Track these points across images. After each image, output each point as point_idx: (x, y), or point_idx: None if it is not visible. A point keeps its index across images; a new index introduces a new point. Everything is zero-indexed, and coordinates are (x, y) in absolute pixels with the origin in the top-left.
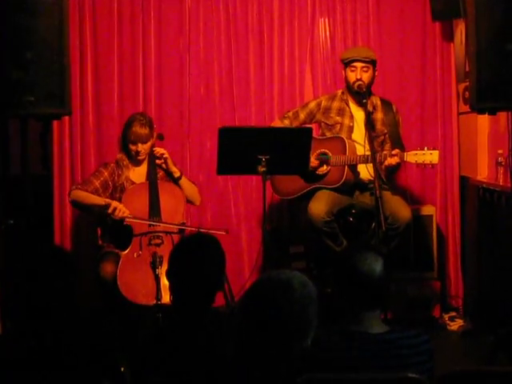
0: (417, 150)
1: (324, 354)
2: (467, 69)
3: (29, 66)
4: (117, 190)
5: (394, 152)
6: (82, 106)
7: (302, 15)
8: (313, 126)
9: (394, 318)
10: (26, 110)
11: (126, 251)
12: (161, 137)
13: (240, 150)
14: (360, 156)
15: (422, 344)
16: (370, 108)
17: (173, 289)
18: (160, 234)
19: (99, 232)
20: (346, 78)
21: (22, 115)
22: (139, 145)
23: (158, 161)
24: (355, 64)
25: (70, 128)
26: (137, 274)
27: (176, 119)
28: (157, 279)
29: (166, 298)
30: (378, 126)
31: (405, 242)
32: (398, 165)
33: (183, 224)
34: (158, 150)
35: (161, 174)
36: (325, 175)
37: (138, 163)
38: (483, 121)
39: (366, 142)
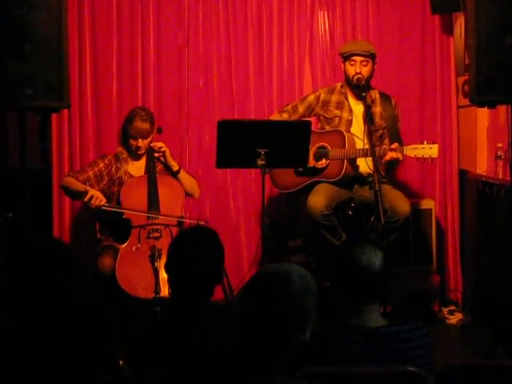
0: (416, 144)
1: (323, 347)
2: (467, 62)
3: (27, 59)
4: (115, 184)
5: (393, 146)
6: (80, 99)
7: (301, 9)
8: (312, 119)
9: (392, 311)
10: (24, 103)
11: (125, 244)
12: (159, 130)
13: (239, 143)
14: (359, 150)
15: (421, 337)
16: (369, 101)
17: (171, 282)
18: (159, 228)
19: (98, 225)
20: (345, 71)
21: (20, 108)
22: (140, 140)
23: (156, 154)
24: (354, 58)
25: (69, 121)
26: (135, 267)
27: (175, 113)
28: (155, 272)
29: (165, 291)
30: (377, 119)
31: (404, 236)
32: (398, 160)
33: (181, 217)
34: (156, 144)
35: (159, 167)
36: (324, 169)
37: (137, 157)
38: (483, 114)
39: (365, 135)
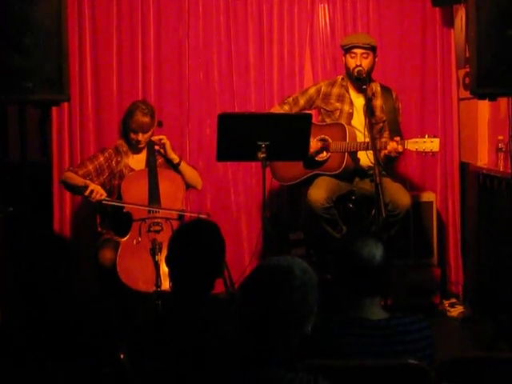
0: (417, 137)
1: (324, 340)
2: (467, 55)
3: (27, 52)
4: (115, 177)
5: (396, 139)
6: (81, 93)
7: (301, 1)
8: (312, 112)
9: (394, 304)
10: (24, 97)
11: (126, 238)
12: (160, 123)
13: (240, 136)
14: (360, 143)
15: (423, 330)
16: (369, 94)
17: (172, 275)
18: (159, 221)
19: (98, 219)
20: (345, 64)
21: (20, 101)
22: (140, 134)
23: (156, 147)
24: (355, 50)
25: (69, 114)
26: (136, 260)
27: (175, 106)
28: (156, 266)
29: (166, 284)
30: (377, 112)
31: (405, 229)
32: (399, 154)
33: (182, 210)
34: (156, 136)
35: (160, 160)
36: (325, 161)
37: (137, 150)
38: (483, 107)
39: (365, 128)
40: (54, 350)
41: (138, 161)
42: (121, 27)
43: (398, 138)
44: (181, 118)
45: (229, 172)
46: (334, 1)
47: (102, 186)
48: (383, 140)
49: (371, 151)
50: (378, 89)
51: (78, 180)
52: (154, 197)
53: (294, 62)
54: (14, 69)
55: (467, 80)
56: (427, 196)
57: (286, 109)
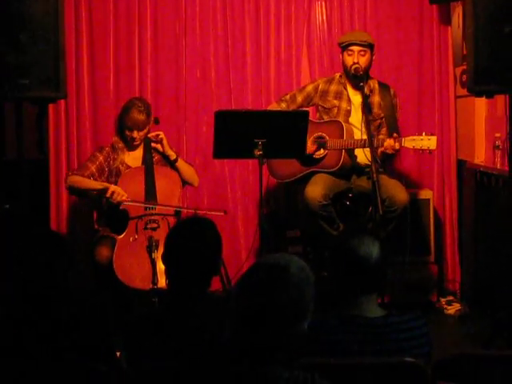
0: (415, 135)
1: (321, 338)
2: (465, 52)
3: (24, 49)
4: (112, 174)
5: (393, 136)
6: (77, 90)
7: None
8: (310, 109)
9: (390, 302)
10: (20, 94)
11: (122, 235)
12: (156, 121)
13: (236, 133)
14: (357, 140)
15: (419, 328)
16: (367, 91)
17: (169, 273)
18: (156, 218)
19: (95, 216)
20: (343, 61)
21: (16, 98)
22: (135, 132)
23: (153, 144)
24: (352, 48)
25: (66, 112)
26: (133, 258)
27: (172, 103)
28: (153, 263)
29: (162, 282)
30: (375, 109)
31: (402, 226)
32: (396, 151)
33: (179, 207)
34: (154, 132)
35: (157, 157)
36: (322, 159)
37: (133, 148)
38: (481, 104)
39: (363, 125)
40: (50, 347)
41: (134, 158)
42: (118, 24)
43: (395, 135)
44: (177, 115)
45: (225, 169)
46: None
47: None
48: (380, 137)
49: (368, 149)
50: (376, 85)
51: (93, 183)
52: (150, 194)
53: (291, 59)
54: (10, 66)
55: (464, 77)
56: (424, 193)
57: (283, 106)
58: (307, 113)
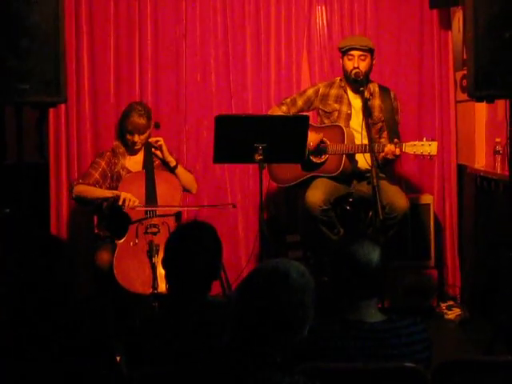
0: (415, 141)
1: (321, 343)
2: (465, 57)
3: (24, 53)
4: (113, 179)
5: (394, 141)
6: (78, 94)
7: (299, 3)
8: (310, 113)
9: (391, 306)
10: (21, 98)
11: (122, 240)
12: (157, 125)
13: (237, 138)
14: (358, 145)
15: (419, 333)
16: (367, 95)
17: (169, 277)
18: (156, 223)
19: (95, 220)
20: (343, 66)
21: (17, 103)
22: (136, 135)
23: (153, 149)
24: (352, 52)
25: (66, 116)
26: (133, 262)
27: (172, 107)
28: (153, 268)
29: (163, 286)
30: (376, 113)
31: (402, 231)
32: (396, 157)
33: (180, 212)
34: (153, 138)
35: (157, 162)
36: (322, 163)
37: (133, 152)
38: (481, 109)
39: (364, 129)
40: (50, 351)
41: (135, 162)
42: (118, 29)
43: (396, 141)
44: (178, 119)
45: (226, 174)
46: (332, 2)
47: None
48: (382, 141)
49: (369, 153)
50: (377, 89)
51: (100, 192)
52: (151, 198)
53: (291, 63)
54: (11, 70)
55: (465, 82)
56: (424, 198)
57: (283, 110)
58: (307, 117)
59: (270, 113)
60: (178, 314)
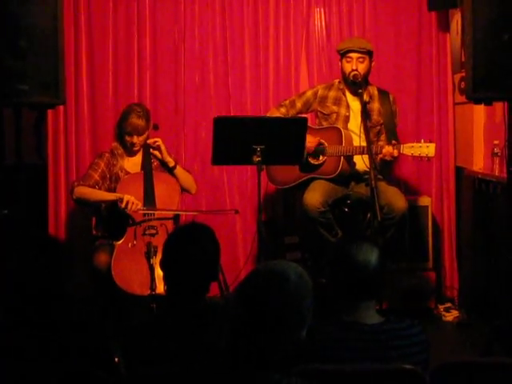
0: (413, 142)
1: (319, 344)
2: (463, 59)
3: (23, 55)
4: (111, 180)
5: (392, 142)
6: (76, 95)
7: (297, 5)
8: (308, 115)
9: (388, 308)
10: (19, 99)
11: (121, 241)
12: (155, 127)
13: (235, 139)
14: (356, 147)
15: (417, 335)
16: (366, 98)
17: (167, 279)
18: (155, 224)
19: (94, 222)
20: (341, 68)
21: (15, 104)
22: (135, 137)
23: (152, 150)
24: (351, 55)
25: (65, 117)
26: (131, 264)
27: (171, 108)
28: (151, 269)
29: (161, 288)
30: (374, 116)
31: (400, 233)
32: (394, 158)
33: (179, 214)
34: (151, 139)
35: (155, 163)
36: (320, 165)
37: (132, 153)
38: (479, 111)
39: (362, 131)
40: (48, 352)
41: (133, 164)
42: (117, 30)
43: (394, 142)
44: (176, 121)
45: (224, 175)
46: (330, 5)
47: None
48: (380, 144)
49: (367, 155)
50: (375, 92)
51: (102, 194)
52: (149, 199)
53: (289, 65)
54: (9, 71)
55: (463, 84)
56: (423, 200)
57: (282, 111)
58: (306, 120)
59: (268, 114)
60: (176, 316)
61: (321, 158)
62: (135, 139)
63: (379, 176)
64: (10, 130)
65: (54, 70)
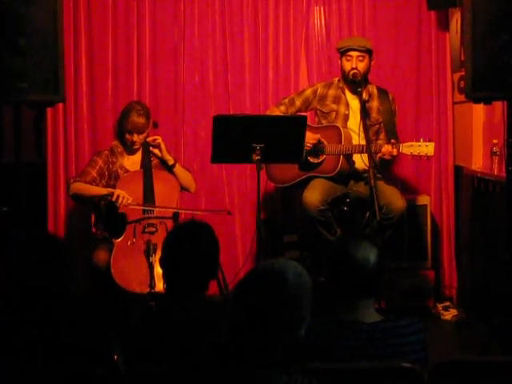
0: (412, 141)
1: (318, 342)
2: (462, 58)
3: (22, 52)
4: (111, 178)
5: (391, 141)
6: (75, 93)
7: (297, 3)
8: (308, 113)
9: (387, 307)
10: (19, 97)
11: (120, 239)
12: (155, 125)
13: (234, 138)
14: (355, 146)
15: (416, 333)
16: (365, 97)
17: (166, 277)
18: (154, 222)
19: (93, 219)
20: (341, 67)
21: (15, 102)
22: (135, 135)
23: (152, 148)
24: (351, 53)
25: (64, 115)
26: (130, 261)
27: (170, 107)
28: (150, 267)
29: (160, 285)
30: (374, 114)
31: (399, 232)
32: (394, 157)
33: (177, 212)
34: (151, 137)
35: (155, 161)
36: (320, 164)
37: (132, 151)
38: (478, 110)
39: (362, 130)
40: (47, 349)
41: (133, 162)
42: (116, 28)
43: (393, 141)
44: (176, 119)
45: (223, 174)
46: (330, 3)
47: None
48: (379, 142)
49: (366, 154)
50: (375, 91)
51: (95, 189)
52: (148, 197)
53: (289, 64)
54: (9, 69)
55: (462, 83)
56: (421, 199)
57: (281, 109)
58: (305, 118)
59: (268, 113)
60: (176, 313)
61: (320, 156)
62: (135, 137)
63: (378, 175)
64: (9, 128)
65: (54, 67)
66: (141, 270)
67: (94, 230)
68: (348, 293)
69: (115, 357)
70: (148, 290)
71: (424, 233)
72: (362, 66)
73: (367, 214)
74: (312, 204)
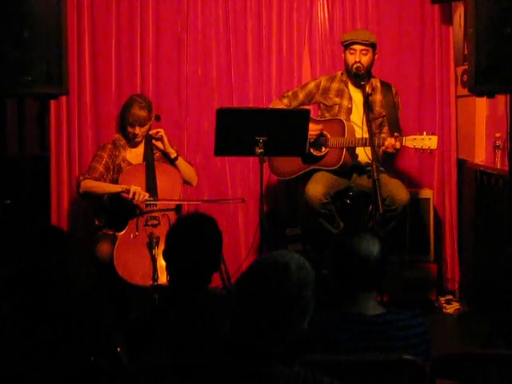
0: (416, 134)
1: (320, 335)
2: (466, 52)
3: (26, 45)
4: (114, 171)
5: (394, 135)
6: (79, 86)
7: None
8: (311, 107)
9: (390, 300)
10: (22, 90)
11: (123, 232)
12: (158, 118)
13: (237, 131)
14: (358, 139)
15: (418, 326)
16: (368, 90)
17: (169, 269)
18: (157, 215)
19: (96, 212)
20: (345, 60)
21: (18, 95)
22: (137, 128)
23: (154, 141)
24: (354, 46)
25: (68, 108)
26: (133, 254)
27: (174, 100)
28: (153, 260)
29: (163, 278)
30: (377, 108)
31: (402, 225)
32: (397, 151)
33: (181, 205)
34: (154, 130)
35: (157, 154)
36: (323, 157)
37: (134, 144)
38: (481, 104)
39: (364, 123)
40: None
41: (135, 155)
42: (119, 21)
43: (396, 135)
44: (179, 112)
45: (226, 166)
46: None
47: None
48: (382, 136)
49: (369, 147)
50: (378, 84)
51: (108, 186)
52: (151, 190)
53: (292, 57)
54: (12, 62)
55: (465, 77)
56: (424, 193)
57: (285, 102)
58: (308, 111)
59: (271, 106)
60: (179, 306)
61: (323, 149)
62: (137, 130)
63: (381, 168)
64: (12, 121)
65: (57, 60)
66: (144, 262)
67: (97, 222)
68: (351, 286)
69: (118, 349)
70: (151, 282)
71: (426, 226)
72: (365, 60)
73: (370, 207)
74: (315, 197)
